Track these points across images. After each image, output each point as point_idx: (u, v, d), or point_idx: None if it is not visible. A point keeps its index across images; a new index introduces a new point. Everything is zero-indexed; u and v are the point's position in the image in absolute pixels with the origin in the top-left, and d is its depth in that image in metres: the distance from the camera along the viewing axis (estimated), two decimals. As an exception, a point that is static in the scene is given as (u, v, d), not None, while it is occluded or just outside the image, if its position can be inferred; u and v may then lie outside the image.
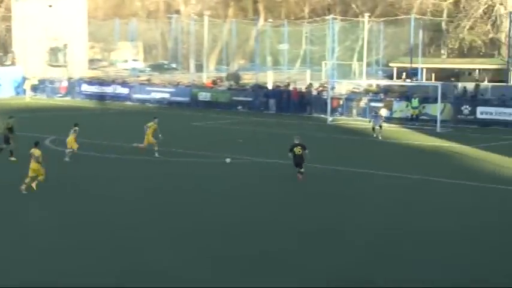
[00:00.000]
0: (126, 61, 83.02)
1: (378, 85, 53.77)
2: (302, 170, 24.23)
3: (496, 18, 68.43)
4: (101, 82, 62.25)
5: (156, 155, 29.22)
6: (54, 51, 68.82)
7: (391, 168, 27.45)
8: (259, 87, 52.92)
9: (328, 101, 45.35)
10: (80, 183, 24.34)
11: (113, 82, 61.60)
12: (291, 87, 51.86)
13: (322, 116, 46.30)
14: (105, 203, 21.59)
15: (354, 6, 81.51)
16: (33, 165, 22.40)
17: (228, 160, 27.93)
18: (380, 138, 35.69)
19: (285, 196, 22.80)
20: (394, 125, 42.02)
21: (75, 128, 28.61)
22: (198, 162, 28.90)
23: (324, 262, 15.90)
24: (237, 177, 25.88)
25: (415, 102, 43.52)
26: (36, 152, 22.50)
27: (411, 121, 43.29)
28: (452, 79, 54.69)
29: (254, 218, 19.98)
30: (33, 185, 22.45)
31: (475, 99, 44.51)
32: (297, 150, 24.18)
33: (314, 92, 49.79)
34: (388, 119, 44.03)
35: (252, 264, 15.77)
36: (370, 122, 37.00)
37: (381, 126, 36.22)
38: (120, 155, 29.85)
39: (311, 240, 17.66)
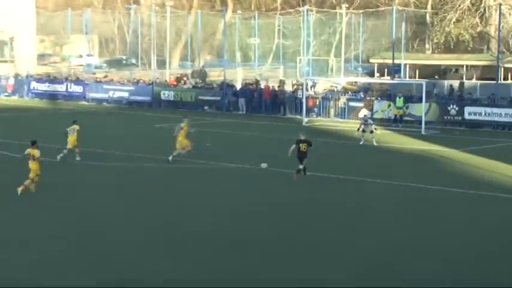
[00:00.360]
0: (80, 56, 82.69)
1: (354, 83, 54.17)
2: (302, 166, 25.66)
3: (484, 10, 69.45)
4: (52, 79, 61.92)
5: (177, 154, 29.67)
6: (-1, 45, 68.31)
7: (373, 174, 27.74)
8: (228, 86, 53.11)
9: (304, 101, 45.66)
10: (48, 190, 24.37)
11: (65, 79, 61.32)
12: (262, 85, 52.10)
13: (297, 116, 46.60)
14: (84, 210, 21.70)
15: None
16: (32, 165, 23.29)
17: (264, 165, 28.18)
18: (375, 143, 35.60)
19: (271, 203, 23.07)
20: (375, 127, 42.40)
21: (74, 126, 29.43)
22: (166, 168, 28.96)
23: (320, 269, 16.44)
24: (213, 184, 26.12)
25: (399, 101, 43.82)
26: (34, 152, 23.37)
27: (395, 122, 43.70)
28: (436, 77, 55.24)
29: (236, 226, 20.24)
30: (33, 187, 23.37)
31: (462, 98, 45.08)
32: (303, 147, 25.76)
33: (288, 91, 50.10)
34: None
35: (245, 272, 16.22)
36: (358, 130, 36.42)
37: (372, 132, 35.99)
38: (84, 161, 29.83)
39: (302, 250, 18.00)
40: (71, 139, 29.30)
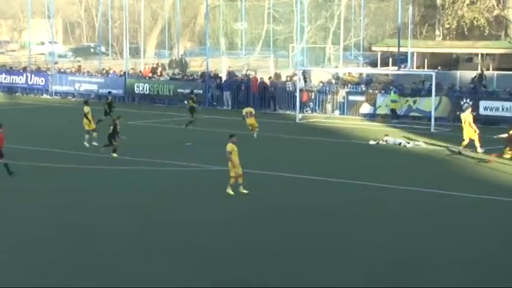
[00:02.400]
0: (42, 43, 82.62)
1: (350, 73, 54.21)
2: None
3: (502, -9, 69.71)
4: (10, 70, 61.90)
5: None
6: (-51, 31, 68.21)
7: (375, 177, 27.95)
8: (211, 77, 53.22)
9: (297, 94, 45.76)
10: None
11: (24, 70, 61.31)
12: (250, 76, 52.19)
13: (289, 112, 46.73)
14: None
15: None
16: (235, 160, 24.51)
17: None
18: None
19: (263, 209, 23.49)
20: (378, 124, 42.65)
21: None
22: (142, 170, 29.13)
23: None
24: (196, 188, 26.39)
25: (393, 95, 43.81)
26: (233, 147, 24.56)
27: (397, 118, 43.72)
28: (439, 68, 55.20)
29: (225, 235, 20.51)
30: (242, 187, 24.76)
31: (477, 91, 45.26)
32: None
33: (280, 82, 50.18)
34: (371, 116, 44.71)
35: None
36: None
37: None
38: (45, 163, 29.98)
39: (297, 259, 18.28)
40: None
